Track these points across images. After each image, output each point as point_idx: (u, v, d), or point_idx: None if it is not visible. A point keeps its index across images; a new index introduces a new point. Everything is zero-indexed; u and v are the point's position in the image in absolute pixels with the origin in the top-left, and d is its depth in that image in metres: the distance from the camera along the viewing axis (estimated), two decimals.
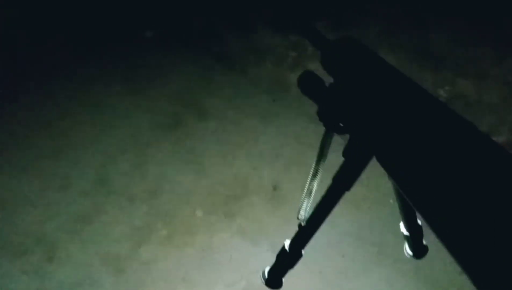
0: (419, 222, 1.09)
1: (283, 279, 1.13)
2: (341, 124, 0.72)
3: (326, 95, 0.68)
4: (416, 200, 0.52)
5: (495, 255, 0.38)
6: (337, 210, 0.94)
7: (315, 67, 0.77)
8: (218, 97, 2.32)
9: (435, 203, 0.48)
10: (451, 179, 0.47)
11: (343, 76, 0.66)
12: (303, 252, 1.04)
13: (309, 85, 0.70)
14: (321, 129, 0.82)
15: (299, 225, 0.99)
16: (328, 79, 0.74)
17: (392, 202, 1.71)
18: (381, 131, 0.61)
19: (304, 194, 0.92)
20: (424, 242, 1.15)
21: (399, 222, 1.11)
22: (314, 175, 0.88)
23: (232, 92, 2.36)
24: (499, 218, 0.40)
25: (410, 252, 1.17)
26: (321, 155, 0.84)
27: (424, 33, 2.63)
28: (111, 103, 2.29)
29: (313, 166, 0.88)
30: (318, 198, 0.94)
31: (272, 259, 1.13)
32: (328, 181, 0.90)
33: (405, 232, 1.11)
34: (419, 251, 1.16)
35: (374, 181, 1.85)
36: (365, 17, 2.71)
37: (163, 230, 1.76)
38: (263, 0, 2.81)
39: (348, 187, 0.86)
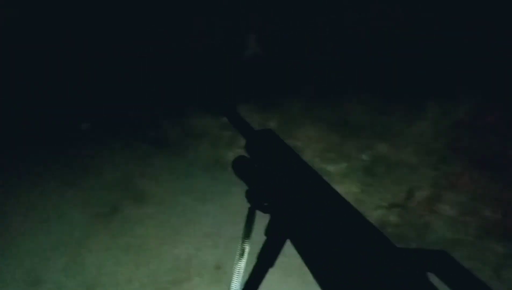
0: None
1: None
2: (265, 204, 0.80)
3: (252, 178, 0.78)
4: (312, 268, 0.62)
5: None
6: None
7: None
8: (156, 181, 2.35)
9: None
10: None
11: (263, 162, 0.78)
12: None
13: (239, 168, 0.80)
14: None
15: None
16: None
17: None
18: (293, 219, 0.71)
19: (233, 275, 0.95)
20: None
21: None
22: (241, 254, 0.92)
23: (170, 175, 2.41)
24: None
25: None
26: (247, 233, 0.89)
27: (341, 106, 2.91)
28: (45, 198, 2.22)
29: (239, 245, 0.92)
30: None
31: None
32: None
33: None
34: None
35: None
36: (288, 96, 2.97)
37: None
38: (195, 87, 2.99)
39: (271, 264, 0.89)
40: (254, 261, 0.97)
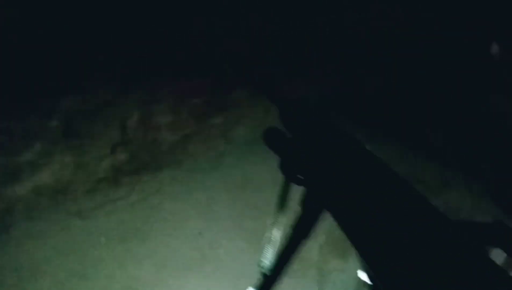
0: None
1: None
2: (299, 176, 0.81)
3: (286, 149, 0.79)
4: (355, 241, 0.59)
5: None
6: None
7: None
8: None
9: (367, 244, 0.55)
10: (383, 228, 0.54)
11: (299, 133, 0.78)
12: None
13: (271, 139, 0.80)
14: None
15: (263, 274, 1.03)
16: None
17: None
18: (328, 189, 0.70)
19: (265, 243, 0.98)
20: None
21: None
22: (274, 223, 0.95)
23: None
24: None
25: None
26: (281, 204, 0.92)
27: None
28: None
29: (273, 216, 0.95)
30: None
31: None
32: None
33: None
34: None
35: None
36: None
37: None
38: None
39: (305, 235, 0.90)
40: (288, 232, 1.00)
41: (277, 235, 0.98)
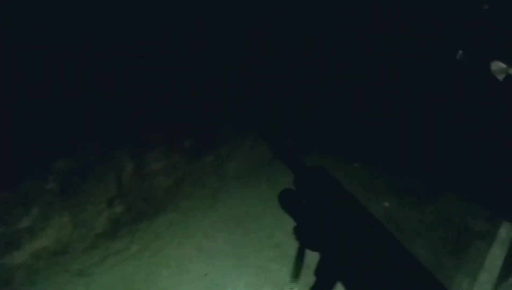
0: None
1: None
2: (315, 242, 0.81)
3: (300, 213, 0.81)
4: None
5: None
6: None
7: None
8: None
9: None
10: None
11: (311, 198, 0.82)
12: None
13: (286, 202, 0.83)
14: None
15: None
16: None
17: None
18: (345, 259, 0.72)
19: None
20: None
21: None
22: (291, 288, 0.96)
23: None
24: None
25: None
26: (296, 273, 0.92)
27: None
28: None
29: (288, 285, 0.96)
30: None
31: None
32: None
33: None
34: None
35: None
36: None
37: None
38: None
39: None
40: None
41: None
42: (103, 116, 2.48)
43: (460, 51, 3.35)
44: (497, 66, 3.21)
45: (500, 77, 3.17)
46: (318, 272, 0.84)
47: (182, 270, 2.45)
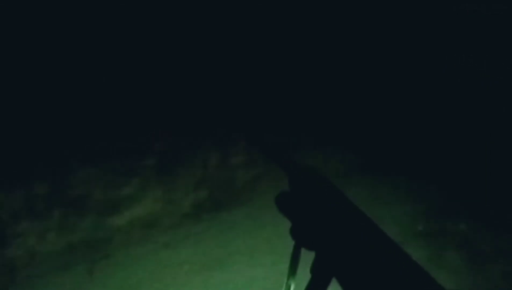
0: None
1: None
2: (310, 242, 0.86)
3: (296, 214, 0.85)
4: None
5: None
6: None
7: None
8: None
9: None
10: None
11: (307, 198, 0.84)
12: None
13: (282, 204, 0.87)
14: None
15: None
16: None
17: None
18: (338, 257, 0.80)
19: None
20: None
21: None
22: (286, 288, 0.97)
23: None
24: None
25: None
26: (292, 271, 0.94)
27: None
28: None
29: (284, 283, 0.97)
30: None
31: None
32: None
33: None
34: None
35: None
36: None
37: None
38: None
39: None
40: None
41: None
42: (191, 109, 2.80)
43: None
44: None
45: None
46: (313, 269, 0.85)
47: (253, 258, 2.62)
